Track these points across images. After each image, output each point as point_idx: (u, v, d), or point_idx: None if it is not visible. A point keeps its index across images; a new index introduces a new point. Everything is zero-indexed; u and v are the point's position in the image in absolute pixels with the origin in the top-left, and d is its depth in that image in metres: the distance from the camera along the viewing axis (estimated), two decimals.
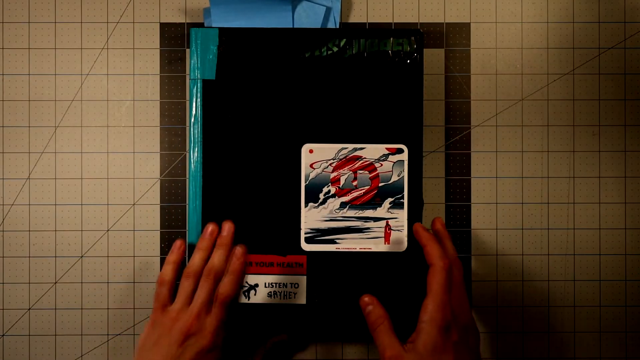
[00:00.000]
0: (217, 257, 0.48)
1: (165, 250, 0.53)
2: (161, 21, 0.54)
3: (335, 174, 0.50)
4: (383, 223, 0.50)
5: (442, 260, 0.44)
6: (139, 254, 0.53)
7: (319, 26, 0.52)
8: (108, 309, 0.53)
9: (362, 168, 0.50)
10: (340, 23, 0.53)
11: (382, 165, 0.50)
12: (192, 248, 0.50)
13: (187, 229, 0.52)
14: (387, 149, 0.50)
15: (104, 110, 0.53)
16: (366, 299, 0.47)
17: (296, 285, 0.50)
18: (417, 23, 0.54)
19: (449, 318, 0.43)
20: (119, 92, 0.53)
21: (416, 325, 0.43)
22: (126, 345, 0.53)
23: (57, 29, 0.53)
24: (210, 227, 0.49)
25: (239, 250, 0.49)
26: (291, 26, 0.52)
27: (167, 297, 0.47)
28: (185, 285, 0.47)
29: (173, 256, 0.49)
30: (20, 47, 0.53)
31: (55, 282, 0.53)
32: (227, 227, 0.49)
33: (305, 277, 0.50)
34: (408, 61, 0.50)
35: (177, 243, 0.50)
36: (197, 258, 0.48)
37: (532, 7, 0.54)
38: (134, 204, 0.53)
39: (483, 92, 0.54)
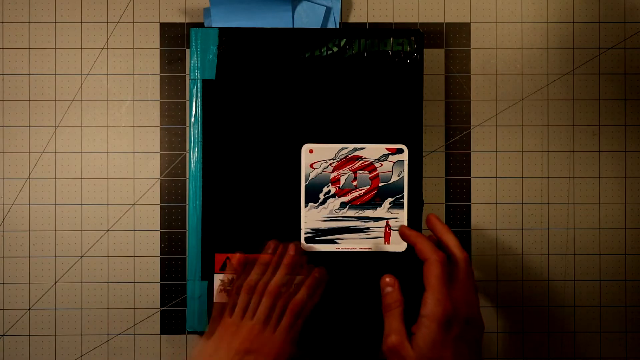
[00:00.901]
0: (279, 276, 0.47)
1: (165, 250, 0.53)
2: (161, 21, 0.54)
3: (335, 174, 0.50)
4: (383, 223, 0.50)
5: (435, 253, 0.44)
6: (139, 254, 0.53)
7: (319, 26, 0.52)
8: (108, 309, 0.53)
9: (362, 168, 0.50)
10: (340, 23, 0.53)
11: (382, 165, 0.50)
12: (192, 249, 0.50)
13: (187, 229, 0.52)
14: (387, 149, 0.50)
15: (104, 110, 0.53)
16: (387, 279, 0.47)
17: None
18: (417, 23, 0.54)
19: (450, 312, 0.42)
20: (119, 92, 0.53)
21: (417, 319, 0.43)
22: (126, 345, 0.53)
23: (57, 29, 0.53)
24: (273, 245, 0.49)
25: (316, 270, 0.49)
26: (291, 26, 0.52)
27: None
28: (246, 300, 0.46)
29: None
30: (20, 47, 0.53)
31: (55, 282, 0.53)
32: (294, 247, 0.49)
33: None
34: (408, 61, 0.50)
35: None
36: (258, 273, 0.48)
37: (532, 7, 0.54)
38: (134, 204, 0.53)
39: (483, 92, 0.54)
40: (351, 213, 0.50)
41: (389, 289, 0.46)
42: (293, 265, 0.48)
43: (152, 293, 0.53)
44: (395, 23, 0.54)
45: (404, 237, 0.47)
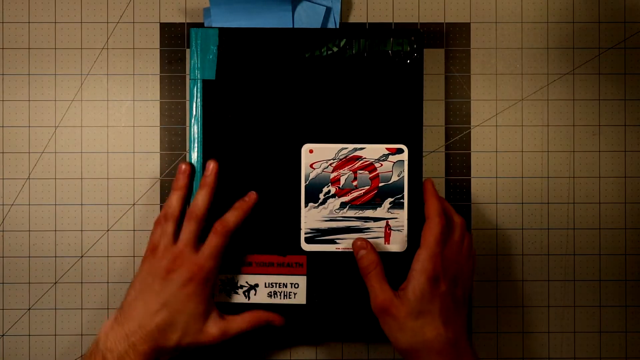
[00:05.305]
0: (200, 198, 0.47)
1: None
2: (161, 21, 0.54)
3: (335, 174, 0.50)
4: (383, 223, 0.50)
5: (439, 216, 0.46)
6: (139, 254, 0.53)
7: (319, 26, 0.52)
8: (108, 308, 0.53)
9: (362, 168, 0.50)
10: (340, 23, 0.53)
11: (382, 165, 0.50)
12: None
13: None
14: (387, 149, 0.50)
15: (104, 110, 0.53)
16: (359, 242, 0.48)
17: (296, 285, 0.50)
18: (417, 23, 0.54)
19: (439, 269, 0.45)
20: (119, 92, 0.53)
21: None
22: None
23: (57, 29, 0.53)
24: (183, 166, 0.48)
25: (248, 194, 0.49)
26: (291, 26, 0.52)
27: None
28: (166, 228, 0.46)
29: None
30: (20, 47, 0.53)
31: (55, 282, 0.53)
32: (212, 166, 0.48)
33: (305, 277, 0.50)
34: (408, 61, 0.50)
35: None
36: (174, 198, 0.47)
37: (532, 7, 0.54)
38: (134, 204, 0.53)
39: (483, 92, 0.54)
40: (351, 213, 0.50)
41: (362, 251, 0.47)
42: (211, 186, 0.47)
43: None
44: (395, 23, 0.54)
45: (424, 189, 0.48)
